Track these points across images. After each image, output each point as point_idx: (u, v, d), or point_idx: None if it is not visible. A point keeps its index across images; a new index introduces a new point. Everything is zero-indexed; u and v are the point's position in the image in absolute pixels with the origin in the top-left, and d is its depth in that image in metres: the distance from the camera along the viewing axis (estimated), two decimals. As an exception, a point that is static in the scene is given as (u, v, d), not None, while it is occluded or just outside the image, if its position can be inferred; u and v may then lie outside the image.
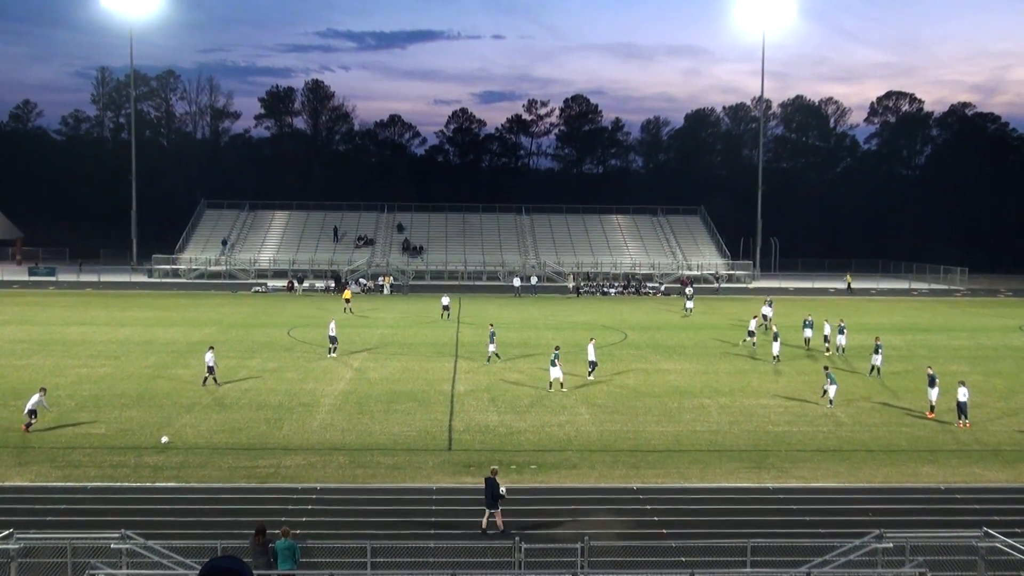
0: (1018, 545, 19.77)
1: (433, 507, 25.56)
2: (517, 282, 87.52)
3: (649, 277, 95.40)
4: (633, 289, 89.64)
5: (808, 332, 53.88)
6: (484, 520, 24.00)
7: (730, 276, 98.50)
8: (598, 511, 25.25)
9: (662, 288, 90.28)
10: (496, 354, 47.57)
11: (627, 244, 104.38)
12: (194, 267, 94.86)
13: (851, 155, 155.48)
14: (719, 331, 61.60)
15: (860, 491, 27.34)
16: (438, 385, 41.38)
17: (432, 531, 23.58)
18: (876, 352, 45.20)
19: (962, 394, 35.12)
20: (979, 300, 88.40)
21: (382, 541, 21.11)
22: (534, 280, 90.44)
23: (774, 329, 51.79)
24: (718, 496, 26.73)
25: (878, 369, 44.78)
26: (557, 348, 43.10)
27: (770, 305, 65.44)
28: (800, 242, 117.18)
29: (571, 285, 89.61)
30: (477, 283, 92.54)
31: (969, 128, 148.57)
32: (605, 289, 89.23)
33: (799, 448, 31.75)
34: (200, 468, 28.66)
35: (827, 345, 52.76)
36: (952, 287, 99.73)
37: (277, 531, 20.53)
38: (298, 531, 22.29)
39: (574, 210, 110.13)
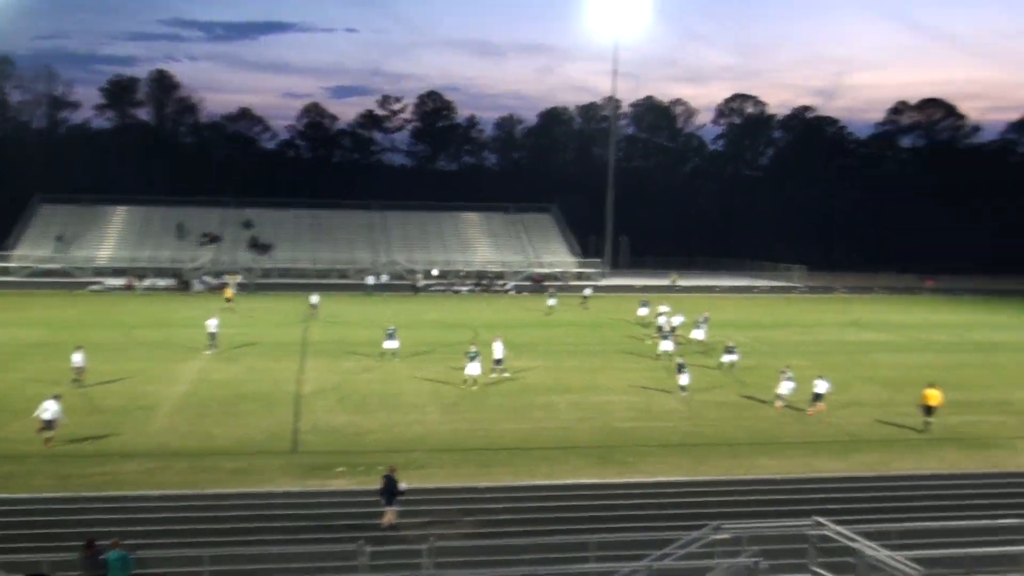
0: (847, 532, 20.66)
1: (277, 511, 25.04)
2: (370, 280, 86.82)
3: (500, 275, 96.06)
4: (484, 287, 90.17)
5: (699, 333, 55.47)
6: (385, 518, 23.98)
7: (580, 274, 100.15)
8: (445, 511, 25.24)
9: (509, 287, 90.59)
10: (393, 352, 47.61)
11: (480, 242, 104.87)
12: (25, 264, 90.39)
13: (699, 155, 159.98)
14: (572, 329, 62.68)
15: (701, 484, 28.17)
16: (284, 386, 40.68)
17: (276, 536, 23.07)
18: (730, 352, 47.18)
19: (821, 386, 37.47)
20: (816, 297, 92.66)
21: (222, 549, 20.57)
22: (385, 278, 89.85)
23: (666, 327, 54.62)
24: (565, 493, 27.07)
25: (732, 364, 46.59)
26: (474, 346, 43.02)
27: (645, 305, 67.23)
28: (651, 240, 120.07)
29: (419, 283, 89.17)
30: (327, 281, 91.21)
31: (810, 131, 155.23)
32: (456, 287, 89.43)
33: (645, 443, 32.53)
34: (29, 477, 27.31)
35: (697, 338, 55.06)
36: (791, 284, 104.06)
37: (107, 542, 19.74)
38: (134, 541, 21.44)
39: (427, 207, 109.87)
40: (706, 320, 57.49)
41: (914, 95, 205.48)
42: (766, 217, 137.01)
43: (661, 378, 44.15)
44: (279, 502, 25.70)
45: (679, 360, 42.16)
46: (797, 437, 33.91)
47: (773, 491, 27.69)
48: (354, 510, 24.92)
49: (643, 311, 66.69)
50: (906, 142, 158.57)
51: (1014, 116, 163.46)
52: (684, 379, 40.47)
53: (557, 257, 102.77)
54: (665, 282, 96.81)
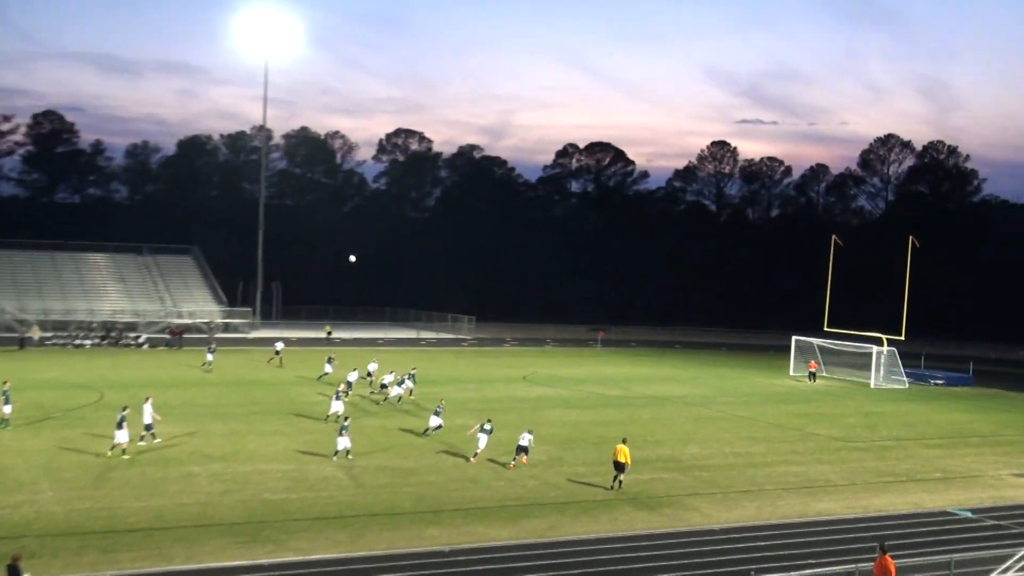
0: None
1: None
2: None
3: (133, 326, 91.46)
4: (112, 340, 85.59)
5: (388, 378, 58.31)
6: None
7: (227, 325, 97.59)
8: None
9: (141, 340, 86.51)
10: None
11: (107, 287, 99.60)
12: None
13: (359, 194, 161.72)
14: (217, 388, 60.84)
15: (360, 560, 27.94)
16: None
17: None
18: (436, 414, 47.57)
19: (525, 439, 40.53)
20: (486, 350, 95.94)
21: None
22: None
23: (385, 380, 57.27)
24: (205, 579, 25.96)
25: (439, 427, 46.92)
26: (127, 408, 41.08)
27: (329, 362, 67.12)
28: (306, 287, 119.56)
29: (35, 336, 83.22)
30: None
31: (478, 172, 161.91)
32: (78, 341, 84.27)
33: (298, 517, 31.91)
34: None
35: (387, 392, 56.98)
36: (460, 336, 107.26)
37: None
38: None
39: (43, 246, 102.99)
40: (411, 376, 59.49)
41: (583, 138, 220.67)
42: (433, 263, 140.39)
43: (319, 442, 43.71)
44: None
45: (344, 423, 41.92)
46: (465, 502, 34.61)
47: (439, 564, 27.98)
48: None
49: (329, 368, 66.57)
50: (575, 186, 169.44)
51: (679, 163, 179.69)
52: (343, 442, 40.48)
53: (199, 305, 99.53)
54: (321, 334, 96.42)
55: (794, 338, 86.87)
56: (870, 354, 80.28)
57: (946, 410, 66.76)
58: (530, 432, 41.90)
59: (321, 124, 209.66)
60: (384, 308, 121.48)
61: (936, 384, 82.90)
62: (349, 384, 59.04)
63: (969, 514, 35.94)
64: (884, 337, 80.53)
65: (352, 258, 70.90)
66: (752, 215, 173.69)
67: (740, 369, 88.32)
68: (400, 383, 57.66)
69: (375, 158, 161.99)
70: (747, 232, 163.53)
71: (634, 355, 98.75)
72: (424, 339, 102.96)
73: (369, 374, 64.31)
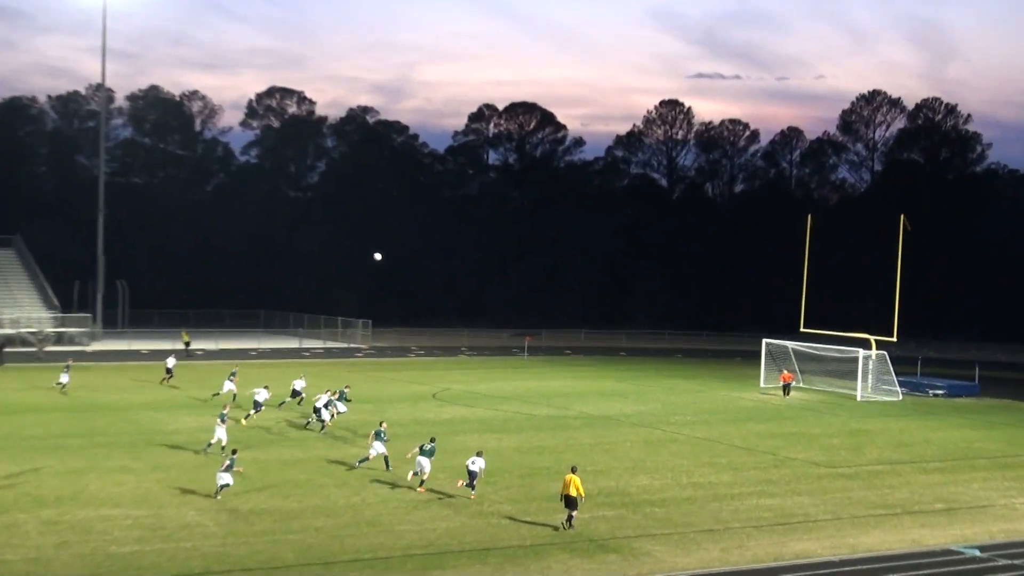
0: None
1: None
2: None
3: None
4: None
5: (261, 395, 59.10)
6: None
7: (60, 335, 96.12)
8: None
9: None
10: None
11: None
12: None
13: (225, 169, 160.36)
14: (49, 416, 59.97)
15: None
16: None
17: None
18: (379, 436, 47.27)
19: (475, 464, 41.78)
20: (385, 361, 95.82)
21: None
22: None
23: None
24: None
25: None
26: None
27: (232, 378, 66.97)
28: (159, 287, 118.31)
29: None
30: None
31: (372, 140, 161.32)
32: None
33: (153, 574, 31.53)
34: None
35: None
36: (353, 345, 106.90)
37: None
38: None
39: None
40: (343, 396, 60.00)
41: (502, 97, 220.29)
42: (318, 255, 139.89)
43: (179, 479, 43.20)
44: None
45: (229, 459, 41.35)
46: (362, 551, 34.41)
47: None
48: None
49: (229, 385, 66.37)
50: (494, 157, 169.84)
51: (621, 128, 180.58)
52: (225, 478, 40.43)
53: (24, 311, 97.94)
54: (178, 345, 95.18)
55: (764, 341, 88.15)
56: (856, 359, 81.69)
57: (948, 426, 68.20)
58: (480, 455, 42.72)
59: (175, 82, 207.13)
60: (257, 312, 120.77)
61: (935, 395, 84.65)
62: (257, 405, 59.12)
63: (977, 552, 36.65)
64: (872, 339, 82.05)
65: (378, 256, 69.22)
66: (711, 191, 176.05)
67: (699, 380, 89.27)
68: (326, 405, 57.48)
69: (244, 124, 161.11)
70: (705, 212, 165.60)
71: (569, 365, 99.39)
72: (308, 349, 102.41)
73: (296, 394, 64.46)
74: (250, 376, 72.31)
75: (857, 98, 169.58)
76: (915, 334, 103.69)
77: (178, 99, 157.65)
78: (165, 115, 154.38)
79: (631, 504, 42.38)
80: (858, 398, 79.95)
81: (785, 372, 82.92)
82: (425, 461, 43.02)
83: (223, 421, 49.76)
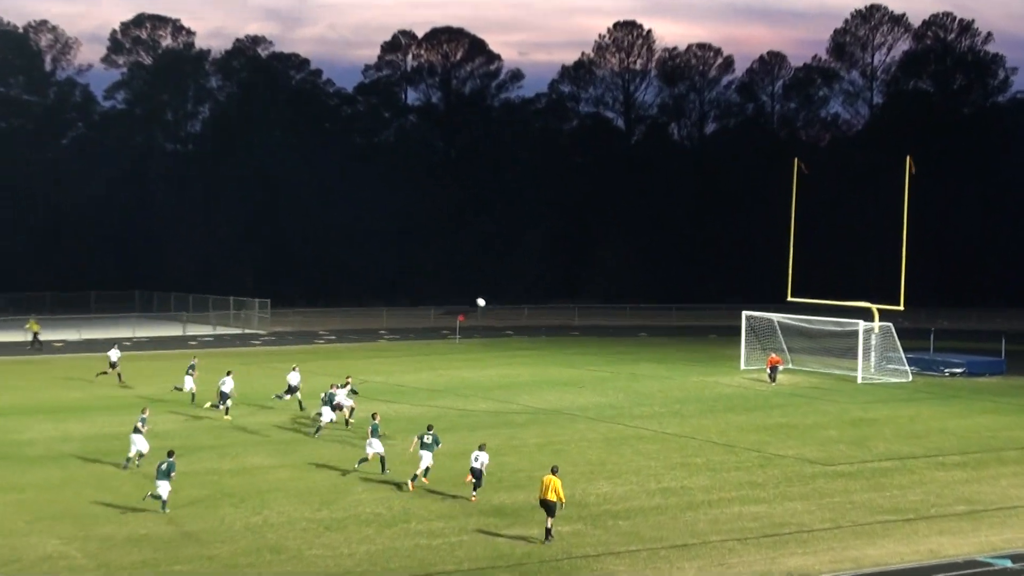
0: None
1: None
2: None
3: None
4: None
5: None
6: None
7: None
8: None
9: None
10: None
11: None
12: None
13: (85, 118, 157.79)
14: None
15: None
16: None
17: None
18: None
19: (478, 461, 43.50)
20: (289, 350, 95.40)
21: None
22: None
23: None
24: None
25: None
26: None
27: (191, 372, 67.82)
28: (6, 266, 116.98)
29: None
30: None
31: (265, 78, 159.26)
32: None
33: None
34: None
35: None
36: (250, 330, 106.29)
37: None
38: None
39: None
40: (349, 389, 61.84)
41: (422, 21, 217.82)
42: (203, 222, 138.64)
43: (36, 502, 42.92)
44: None
45: (166, 463, 41.18)
46: (267, 585, 34.30)
47: None
48: None
49: (189, 382, 67.47)
50: (413, 96, 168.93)
51: (567, 57, 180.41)
52: (165, 487, 41.20)
53: None
54: (25, 336, 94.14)
55: (744, 314, 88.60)
56: (855, 334, 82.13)
57: (968, 412, 68.90)
58: (483, 448, 44.32)
59: (17, 10, 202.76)
60: (131, 293, 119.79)
61: (952, 374, 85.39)
62: (224, 398, 62.14)
63: (1008, 563, 36.85)
64: (875, 308, 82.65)
65: (481, 302, 68.37)
66: (677, 132, 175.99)
67: (667, 364, 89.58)
68: (330, 402, 58.88)
69: (107, 62, 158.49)
70: (671, 159, 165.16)
71: (511, 348, 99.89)
72: (195, 337, 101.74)
73: (291, 390, 65.49)
74: (142, 370, 71.86)
75: (852, 15, 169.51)
76: (927, 301, 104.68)
77: (21, 31, 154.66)
78: (5, 51, 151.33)
79: (589, 517, 42.36)
80: (859, 380, 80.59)
81: (772, 355, 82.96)
82: (427, 455, 45.32)
83: (140, 427, 49.89)
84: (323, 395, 59.59)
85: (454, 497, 44.33)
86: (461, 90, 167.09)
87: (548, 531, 38.11)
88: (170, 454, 42.76)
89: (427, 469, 45.69)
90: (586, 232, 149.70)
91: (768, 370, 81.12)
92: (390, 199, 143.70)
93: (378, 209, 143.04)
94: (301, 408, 64.15)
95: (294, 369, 67.04)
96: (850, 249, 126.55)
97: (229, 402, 62.34)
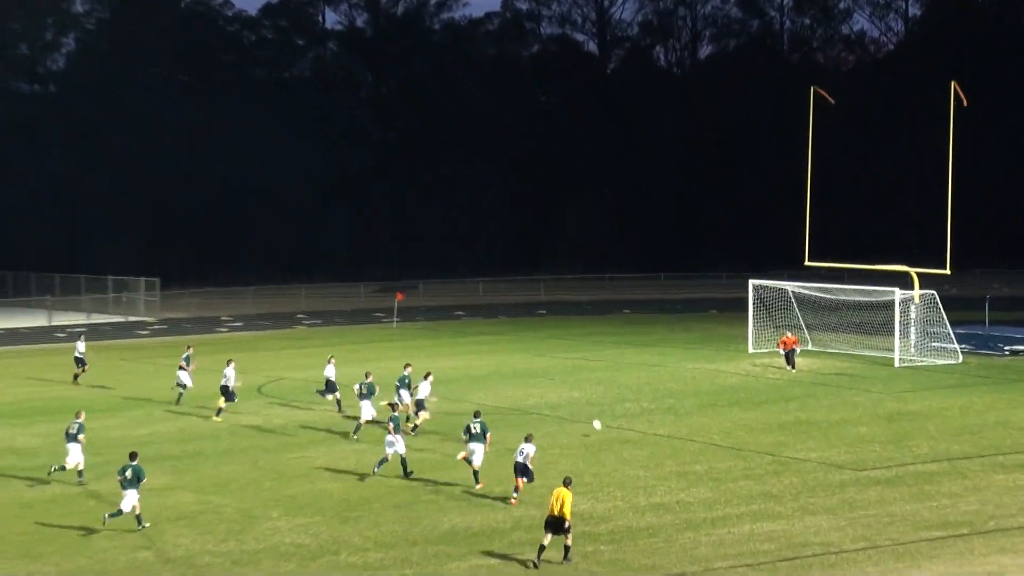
0: None
1: None
2: None
3: None
4: None
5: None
6: None
7: None
8: None
9: None
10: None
11: None
12: None
13: None
14: None
15: None
16: None
17: None
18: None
19: (522, 454, 45.96)
20: (184, 340, 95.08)
21: None
22: None
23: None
24: None
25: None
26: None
27: (185, 366, 70.98)
28: None
29: None
30: None
31: (144, 1, 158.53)
32: None
33: None
34: None
35: None
36: (134, 318, 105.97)
37: None
38: None
39: None
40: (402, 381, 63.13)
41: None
42: (71, 181, 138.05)
43: None
44: None
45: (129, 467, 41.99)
46: None
47: None
48: None
49: (185, 377, 70.70)
50: (332, 19, 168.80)
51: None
52: (130, 499, 42.11)
53: None
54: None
55: (751, 284, 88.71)
56: (890, 305, 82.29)
57: (1033, 401, 69.27)
58: (529, 440, 46.65)
59: None
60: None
61: (1014, 352, 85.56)
62: (229, 393, 65.59)
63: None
64: (914, 272, 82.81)
65: (597, 424, 68.55)
66: (664, 57, 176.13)
67: (657, 348, 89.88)
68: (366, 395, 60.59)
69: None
70: (656, 90, 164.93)
71: (463, 333, 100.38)
72: (64, 328, 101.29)
73: (331, 387, 66.85)
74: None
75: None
76: (979, 263, 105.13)
77: None
78: None
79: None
80: (896, 363, 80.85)
81: (787, 334, 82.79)
82: (479, 448, 48.01)
83: (75, 437, 50.76)
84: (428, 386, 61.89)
85: (394, 522, 44.35)
86: (392, 10, 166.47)
87: (568, 550, 38.77)
88: (132, 456, 43.76)
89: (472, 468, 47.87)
90: (554, 188, 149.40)
91: (783, 353, 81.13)
92: (305, 150, 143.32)
93: (290, 163, 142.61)
94: (339, 409, 65.82)
95: (330, 361, 68.36)
96: (882, 201, 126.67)
97: (235, 398, 65.63)
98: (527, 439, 46.24)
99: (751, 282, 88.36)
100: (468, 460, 48.13)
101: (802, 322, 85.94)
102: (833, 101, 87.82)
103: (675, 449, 56.96)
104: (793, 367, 79.69)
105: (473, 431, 47.94)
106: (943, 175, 79.06)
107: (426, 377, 62.14)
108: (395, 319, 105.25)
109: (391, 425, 50.05)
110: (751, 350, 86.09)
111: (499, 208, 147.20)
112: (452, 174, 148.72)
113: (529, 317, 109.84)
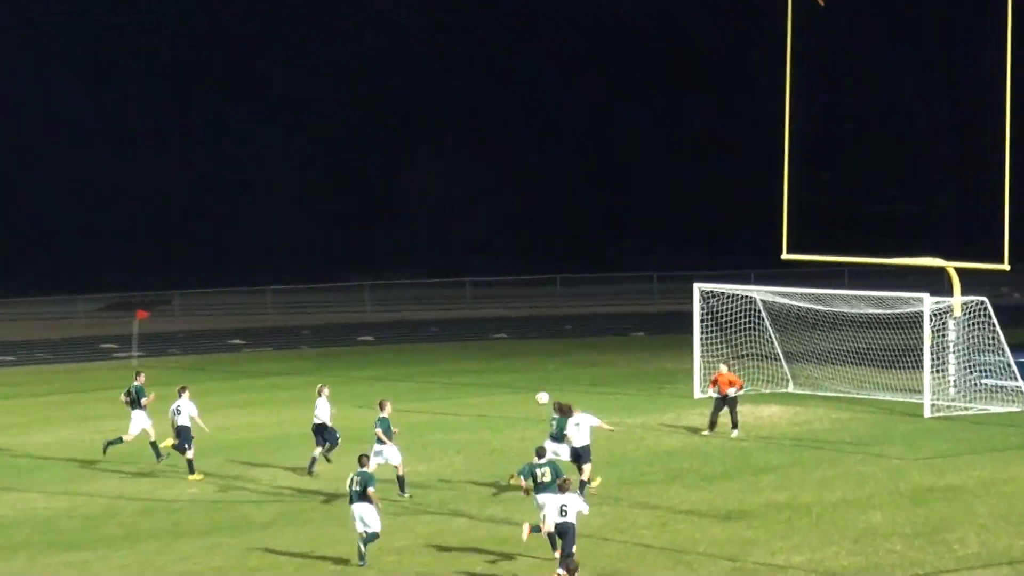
0: None
1: None
2: None
3: None
4: None
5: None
6: None
7: None
8: None
9: None
10: None
11: None
12: None
13: None
14: None
15: None
16: None
17: None
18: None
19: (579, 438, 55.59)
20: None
21: None
22: None
23: None
24: None
25: None
26: None
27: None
28: None
29: None
30: None
31: None
32: None
33: None
34: None
35: None
36: None
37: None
38: None
39: None
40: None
41: None
42: None
43: None
44: None
45: None
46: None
47: None
48: None
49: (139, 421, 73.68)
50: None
51: None
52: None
53: None
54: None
55: (698, 288, 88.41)
56: (917, 321, 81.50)
57: None
58: (588, 412, 57.40)
59: None
60: None
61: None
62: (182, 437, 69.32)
63: None
64: (952, 268, 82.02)
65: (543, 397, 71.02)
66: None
67: (554, 393, 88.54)
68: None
69: None
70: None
71: (241, 373, 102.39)
72: None
73: (322, 433, 72.00)
74: None
75: None
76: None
77: None
78: None
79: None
80: (926, 412, 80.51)
81: (722, 368, 79.58)
82: (552, 501, 49.84)
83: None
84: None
85: None
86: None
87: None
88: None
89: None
90: (394, 144, 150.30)
91: (715, 398, 78.03)
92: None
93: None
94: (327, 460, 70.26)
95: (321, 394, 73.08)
96: (900, 162, 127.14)
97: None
98: (585, 411, 51.17)
99: (697, 287, 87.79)
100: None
101: (778, 348, 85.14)
102: (822, 4, 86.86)
103: (581, 552, 55.11)
104: (735, 427, 76.98)
105: (542, 479, 50.71)
106: (996, 121, 78.29)
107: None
108: (135, 351, 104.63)
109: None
110: (696, 393, 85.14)
111: (298, 178, 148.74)
112: (222, 119, 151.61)
113: (348, 347, 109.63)
